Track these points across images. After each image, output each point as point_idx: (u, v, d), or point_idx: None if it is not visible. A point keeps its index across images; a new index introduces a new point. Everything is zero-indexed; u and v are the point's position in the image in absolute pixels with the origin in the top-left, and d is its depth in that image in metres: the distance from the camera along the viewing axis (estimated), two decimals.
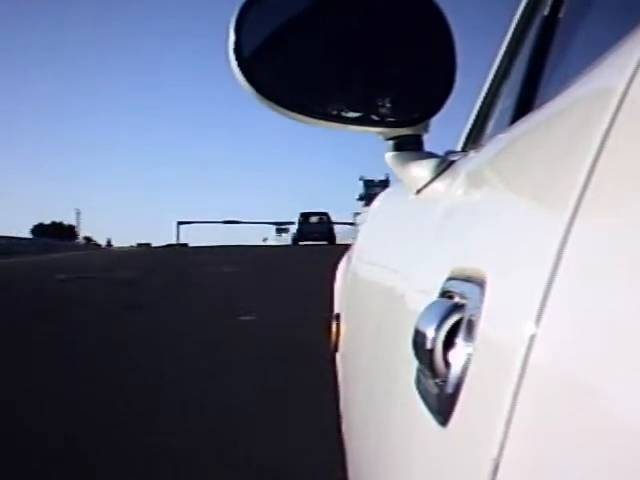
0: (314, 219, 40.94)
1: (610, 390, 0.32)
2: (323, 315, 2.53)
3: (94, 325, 7.69)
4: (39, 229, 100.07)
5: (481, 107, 1.37)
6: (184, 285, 12.35)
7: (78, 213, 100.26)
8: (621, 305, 0.33)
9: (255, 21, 1.04)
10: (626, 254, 0.34)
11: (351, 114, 1.07)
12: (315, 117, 1.05)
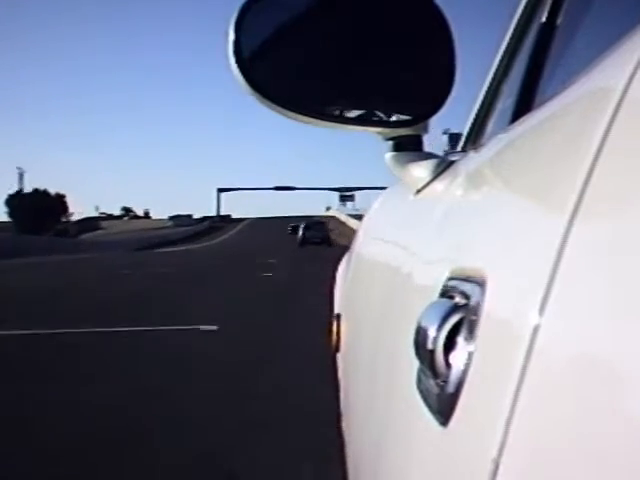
0: (315, 227, 53.54)
1: (610, 390, 0.32)
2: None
3: None
4: (15, 199, 78.41)
5: (481, 107, 1.37)
6: None
7: (21, 174, 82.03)
8: (622, 305, 0.33)
9: (255, 21, 1.04)
10: (626, 254, 0.34)
11: (351, 114, 1.07)
12: (315, 117, 1.05)
